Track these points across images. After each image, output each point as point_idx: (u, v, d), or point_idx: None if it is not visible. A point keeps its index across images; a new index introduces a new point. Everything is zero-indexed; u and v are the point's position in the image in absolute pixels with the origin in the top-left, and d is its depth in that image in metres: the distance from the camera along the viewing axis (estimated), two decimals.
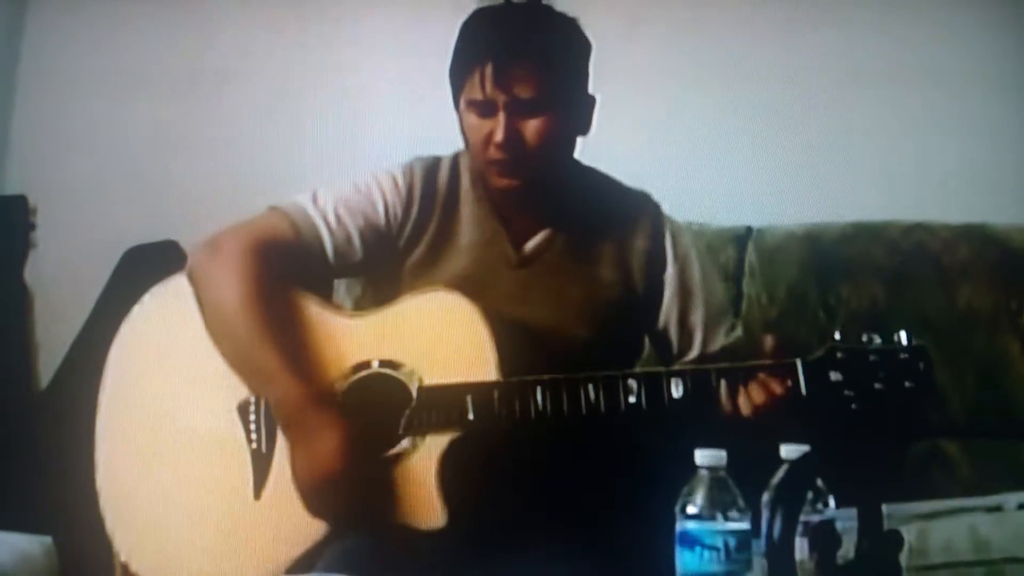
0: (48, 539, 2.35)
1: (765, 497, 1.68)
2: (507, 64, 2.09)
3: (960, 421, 2.68)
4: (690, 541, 1.63)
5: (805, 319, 2.74)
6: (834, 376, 1.96)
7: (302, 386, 2.05)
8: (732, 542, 1.61)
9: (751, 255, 2.82)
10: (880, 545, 1.58)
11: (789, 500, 1.58)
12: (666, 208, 2.40)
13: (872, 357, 1.95)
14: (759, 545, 1.62)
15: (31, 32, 3.35)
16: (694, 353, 2.22)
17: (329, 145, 3.13)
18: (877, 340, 1.97)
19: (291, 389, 2.04)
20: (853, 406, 1.94)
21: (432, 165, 2.25)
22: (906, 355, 1.95)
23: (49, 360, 2.95)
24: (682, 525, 1.63)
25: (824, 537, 1.63)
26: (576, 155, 2.26)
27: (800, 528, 1.61)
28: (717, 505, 1.62)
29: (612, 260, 2.21)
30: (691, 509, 1.63)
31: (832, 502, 1.68)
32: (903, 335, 1.97)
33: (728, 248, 2.84)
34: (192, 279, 2.15)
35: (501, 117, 2.09)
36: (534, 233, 2.21)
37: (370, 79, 3.12)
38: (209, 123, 3.25)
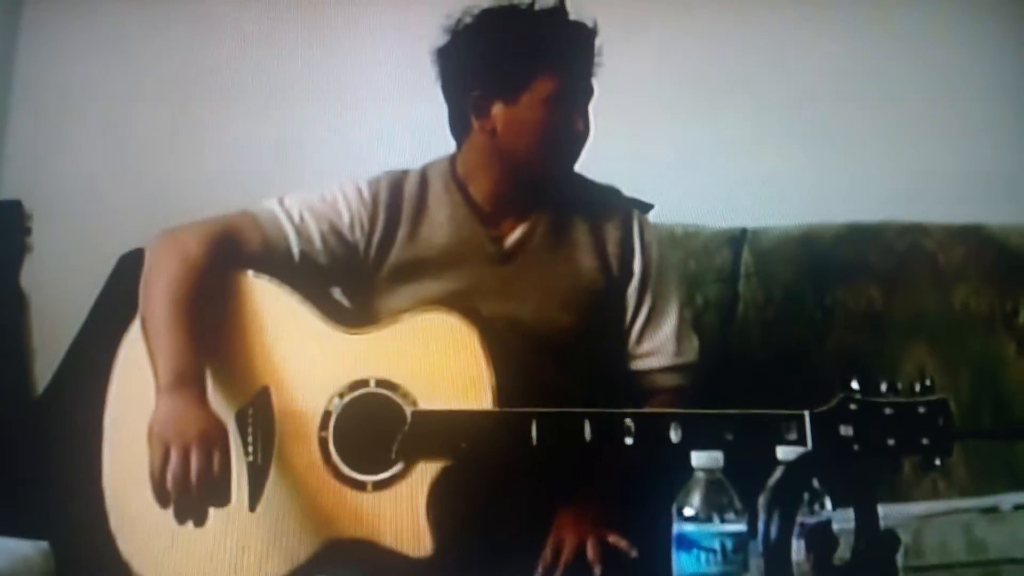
0: (45, 544, 2.35)
1: (762, 499, 1.67)
2: (580, 73, 2.22)
3: (956, 422, 2.68)
4: (687, 543, 1.62)
5: (801, 320, 2.74)
6: (844, 430, 1.88)
7: (179, 405, 2.05)
8: (729, 544, 1.61)
9: (747, 256, 2.82)
10: (877, 546, 1.58)
11: (786, 501, 1.58)
12: (662, 209, 2.41)
13: (888, 411, 1.87)
14: (756, 546, 1.62)
15: (26, 37, 3.35)
16: (633, 345, 2.27)
17: (327, 148, 3.13)
18: (897, 388, 1.89)
19: (171, 408, 2.04)
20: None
21: (398, 177, 2.30)
22: (924, 409, 1.88)
23: (45, 365, 2.94)
24: (679, 527, 1.63)
25: (821, 538, 1.63)
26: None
27: (797, 529, 1.60)
28: (714, 507, 1.62)
29: (590, 248, 2.27)
30: (688, 511, 1.63)
31: (829, 503, 1.68)
32: (925, 383, 1.89)
33: (723, 250, 2.84)
34: (145, 260, 2.20)
35: (581, 112, 2.21)
36: (512, 228, 2.25)
37: (367, 81, 3.13)
38: (206, 127, 3.25)
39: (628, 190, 2.36)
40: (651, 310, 2.28)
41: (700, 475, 1.64)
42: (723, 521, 1.62)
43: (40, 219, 3.11)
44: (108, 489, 2.14)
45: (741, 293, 2.80)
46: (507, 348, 2.08)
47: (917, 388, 1.89)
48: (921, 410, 1.87)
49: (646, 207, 2.45)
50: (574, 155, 2.25)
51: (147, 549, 2.10)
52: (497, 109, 2.21)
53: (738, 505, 1.62)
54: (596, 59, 2.25)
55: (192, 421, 2.01)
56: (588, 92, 2.24)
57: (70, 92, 3.32)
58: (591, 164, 2.32)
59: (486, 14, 2.23)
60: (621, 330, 2.28)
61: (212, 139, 3.24)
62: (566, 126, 2.21)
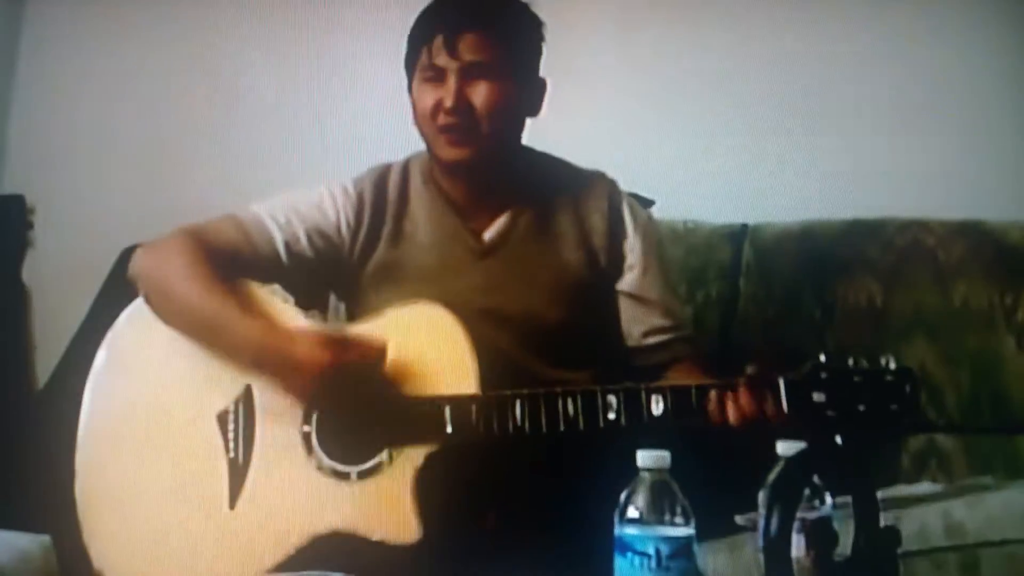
0: (46, 538, 2.35)
1: (761, 494, 1.67)
2: (458, 31, 2.14)
3: (955, 417, 2.68)
4: (623, 547, 1.59)
5: (801, 317, 2.74)
6: (817, 396, 1.94)
7: (261, 318, 2.07)
8: (665, 549, 1.56)
9: (748, 253, 2.82)
10: (877, 541, 1.58)
11: (785, 497, 1.57)
12: (663, 205, 2.41)
13: (857, 378, 1.94)
14: (700, 549, 1.60)
15: (28, 32, 3.35)
16: (637, 329, 2.24)
17: (327, 146, 3.13)
18: (863, 363, 1.96)
19: (251, 324, 2.06)
20: (837, 437, 1.93)
21: (383, 172, 2.28)
22: (892, 377, 1.94)
23: (46, 359, 2.95)
24: (620, 530, 1.59)
25: (821, 534, 1.62)
26: (567, 153, 2.28)
27: (797, 525, 1.60)
28: (657, 510, 1.58)
29: (574, 238, 2.23)
30: (631, 513, 1.59)
31: (828, 499, 1.68)
32: (890, 359, 1.96)
33: (724, 246, 2.84)
34: (137, 276, 2.19)
35: (451, 81, 2.13)
36: (492, 221, 2.23)
37: (366, 81, 3.12)
38: (207, 123, 3.25)
39: (628, 186, 2.36)
40: (651, 284, 2.26)
41: (645, 475, 1.60)
42: (669, 524, 1.58)
43: (42, 213, 3.11)
44: (80, 497, 2.13)
45: (742, 289, 2.81)
46: (492, 341, 2.08)
47: (883, 363, 1.95)
48: (889, 378, 1.94)
49: (646, 203, 2.45)
50: (468, 136, 2.16)
51: (121, 557, 2.09)
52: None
53: (686, 508, 1.59)
54: (504, 21, 2.18)
55: (312, 344, 2.02)
56: (478, 61, 2.14)
57: (72, 87, 3.32)
58: (590, 161, 2.32)
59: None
60: (609, 321, 2.26)
61: (214, 135, 3.24)
62: (434, 98, 2.15)
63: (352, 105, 3.16)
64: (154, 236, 2.26)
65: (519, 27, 2.21)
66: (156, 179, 3.22)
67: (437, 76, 2.15)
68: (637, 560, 1.57)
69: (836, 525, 1.63)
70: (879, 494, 1.59)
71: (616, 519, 1.60)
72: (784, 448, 1.68)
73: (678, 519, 1.59)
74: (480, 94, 2.14)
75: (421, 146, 2.25)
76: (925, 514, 2.08)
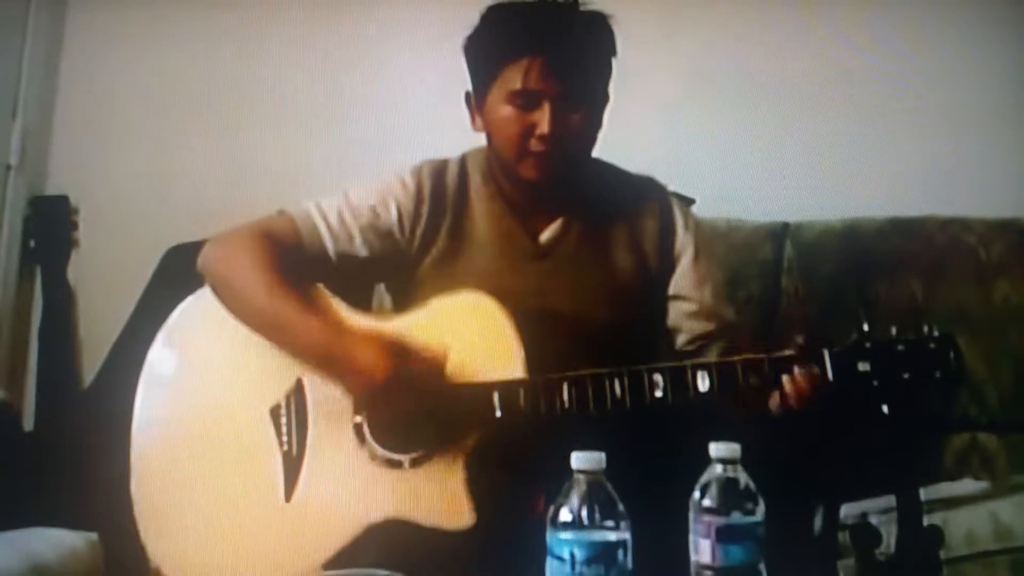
0: (93, 535, 2.37)
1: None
2: (558, 57, 2.12)
3: (997, 414, 2.68)
4: (549, 549, 1.58)
5: (843, 314, 2.74)
6: (862, 366, 1.96)
7: (323, 321, 2.10)
8: (580, 553, 1.55)
9: (789, 251, 2.82)
10: (920, 541, 1.59)
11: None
12: (703, 204, 2.41)
13: (900, 347, 1.96)
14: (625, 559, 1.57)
15: (71, 34, 3.37)
16: (684, 334, 2.24)
17: (366, 149, 3.13)
18: (906, 332, 1.97)
19: (315, 326, 2.09)
20: (884, 406, 1.93)
21: (439, 166, 2.28)
22: (935, 345, 1.95)
23: (92, 358, 2.97)
24: (551, 532, 1.59)
25: (863, 534, 1.62)
26: (607, 154, 2.29)
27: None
28: (589, 512, 1.57)
29: (626, 243, 2.25)
30: (564, 515, 1.58)
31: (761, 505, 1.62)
32: (933, 327, 1.96)
33: (766, 244, 2.84)
34: (206, 269, 2.20)
35: (547, 109, 2.12)
36: (548, 224, 2.24)
37: (405, 86, 3.13)
38: (249, 125, 3.26)
39: (668, 185, 2.36)
40: (701, 286, 2.27)
41: (579, 477, 1.59)
42: (599, 528, 1.57)
43: (86, 214, 3.14)
44: (137, 495, 2.15)
45: (784, 287, 2.81)
46: (543, 340, 2.09)
47: (925, 331, 1.96)
48: (932, 345, 1.95)
49: (687, 201, 2.45)
50: (557, 161, 2.16)
51: (179, 550, 2.11)
52: (481, 106, 2.20)
53: (619, 510, 1.58)
54: (595, 47, 2.17)
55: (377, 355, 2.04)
56: (571, 90, 2.13)
57: (115, 89, 3.34)
58: (633, 160, 2.32)
59: (502, 6, 2.19)
60: (657, 324, 2.27)
61: (256, 136, 3.25)
62: (523, 122, 2.14)
63: (387, 109, 3.16)
64: (198, 235, 2.27)
65: (607, 50, 2.19)
66: (199, 179, 3.23)
67: (530, 100, 2.13)
68: (555, 564, 1.57)
69: (877, 523, 1.63)
70: (923, 493, 1.59)
71: (548, 521, 1.60)
72: (716, 449, 1.65)
73: (613, 522, 1.58)
74: (573, 124, 2.14)
75: (468, 146, 2.26)
76: (972, 516, 2.07)
